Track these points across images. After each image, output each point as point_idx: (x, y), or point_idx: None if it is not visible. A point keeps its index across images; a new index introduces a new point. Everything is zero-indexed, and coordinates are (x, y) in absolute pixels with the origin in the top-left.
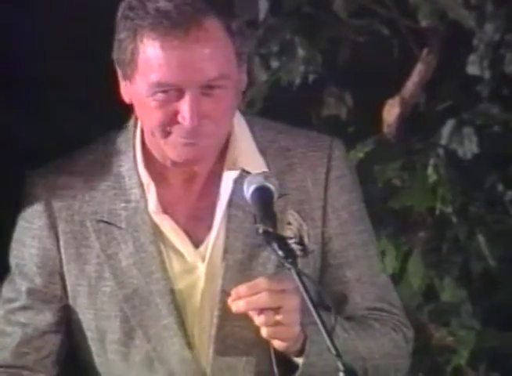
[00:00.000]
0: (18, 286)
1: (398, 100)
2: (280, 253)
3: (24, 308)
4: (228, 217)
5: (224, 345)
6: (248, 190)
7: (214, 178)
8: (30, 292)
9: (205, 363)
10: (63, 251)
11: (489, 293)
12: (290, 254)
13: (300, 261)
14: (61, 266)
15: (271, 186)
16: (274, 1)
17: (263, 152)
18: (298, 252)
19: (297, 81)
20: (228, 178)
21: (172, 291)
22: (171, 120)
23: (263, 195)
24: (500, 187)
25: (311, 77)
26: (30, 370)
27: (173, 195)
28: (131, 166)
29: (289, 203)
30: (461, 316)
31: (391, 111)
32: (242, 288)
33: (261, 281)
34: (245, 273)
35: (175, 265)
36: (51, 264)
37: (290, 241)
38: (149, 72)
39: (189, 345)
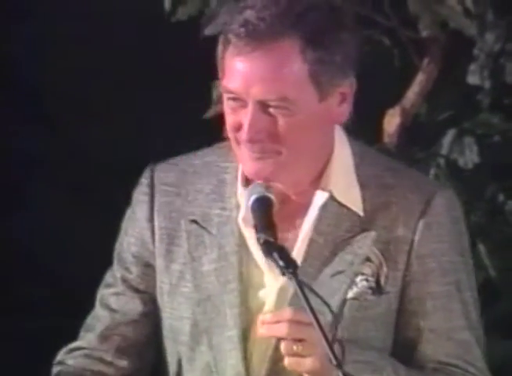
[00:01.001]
0: (115, 272)
1: (398, 110)
2: (281, 263)
3: (117, 294)
4: (310, 242)
5: (277, 367)
6: (249, 200)
7: (306, 202)
8: (125, 280)
9: None
10: (157, 245)
11: (490, 303)
12: (290, 264)
13: (372, 298)
14: (154, 260)
15: (271, 196)
16: None
17: (364, 185)
18: (369, 290)
19: None
20: (317, 204)
21: (242, 304)
22: (237, 129)
23: (264, 205)
24: (501, 197)
25: None
26: (113, 356)
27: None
28: (235, 175)
29: (374, 240)
30: None
31: (392, 121)
32: (268, 315)
33: (286, 311)
34: (312, 300)
35: (252, 280)
36: (146, 255)
37: (362, 277)
38: (224, 76)
39: (246, 360)
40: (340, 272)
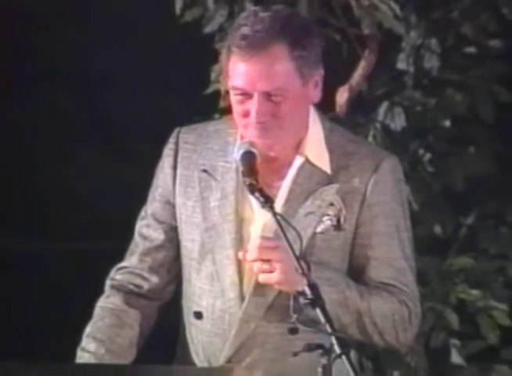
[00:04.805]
0: (147, 208)
1: (347, 87)
2: (262, 199)
3: (147, 226)
4: (290, 190)
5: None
6: (238, 153)
7: (289, 161)
8: (151, 214)
9: (247, 288)
10: (177, 187)
11: (412, 228)
12: (268, 200)
13: (334, 233)
14: (174, 198)
15: (255, 150)
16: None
17: (331, 151)
18: (332, 227)
19: None
20: (296, 164)
21: (238, 231)
22: (246, 115)
23: (249, 157)
24: (421, 151)
25: None
26: (148, 273)
27: (259, 165)
28: (235, 138)
29: (337, 191)
30: None
31: (342, 95)
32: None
33: (256, 241)
34: (290, 233)
35: (245, 215)
36: (167, 195)
37: (327, 217)
38: (231, 78)
39: (240, 273)
40: (311, 213)
